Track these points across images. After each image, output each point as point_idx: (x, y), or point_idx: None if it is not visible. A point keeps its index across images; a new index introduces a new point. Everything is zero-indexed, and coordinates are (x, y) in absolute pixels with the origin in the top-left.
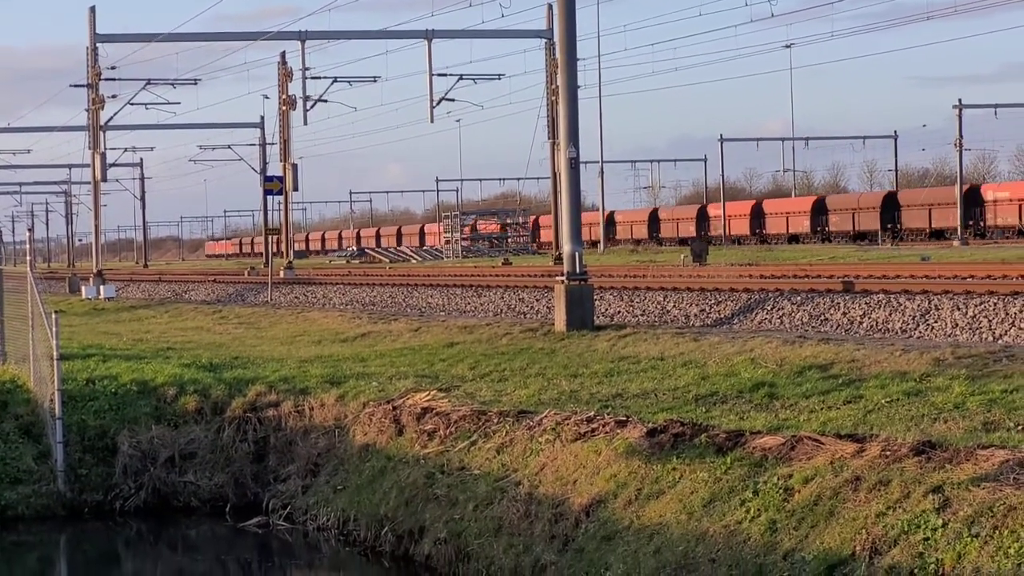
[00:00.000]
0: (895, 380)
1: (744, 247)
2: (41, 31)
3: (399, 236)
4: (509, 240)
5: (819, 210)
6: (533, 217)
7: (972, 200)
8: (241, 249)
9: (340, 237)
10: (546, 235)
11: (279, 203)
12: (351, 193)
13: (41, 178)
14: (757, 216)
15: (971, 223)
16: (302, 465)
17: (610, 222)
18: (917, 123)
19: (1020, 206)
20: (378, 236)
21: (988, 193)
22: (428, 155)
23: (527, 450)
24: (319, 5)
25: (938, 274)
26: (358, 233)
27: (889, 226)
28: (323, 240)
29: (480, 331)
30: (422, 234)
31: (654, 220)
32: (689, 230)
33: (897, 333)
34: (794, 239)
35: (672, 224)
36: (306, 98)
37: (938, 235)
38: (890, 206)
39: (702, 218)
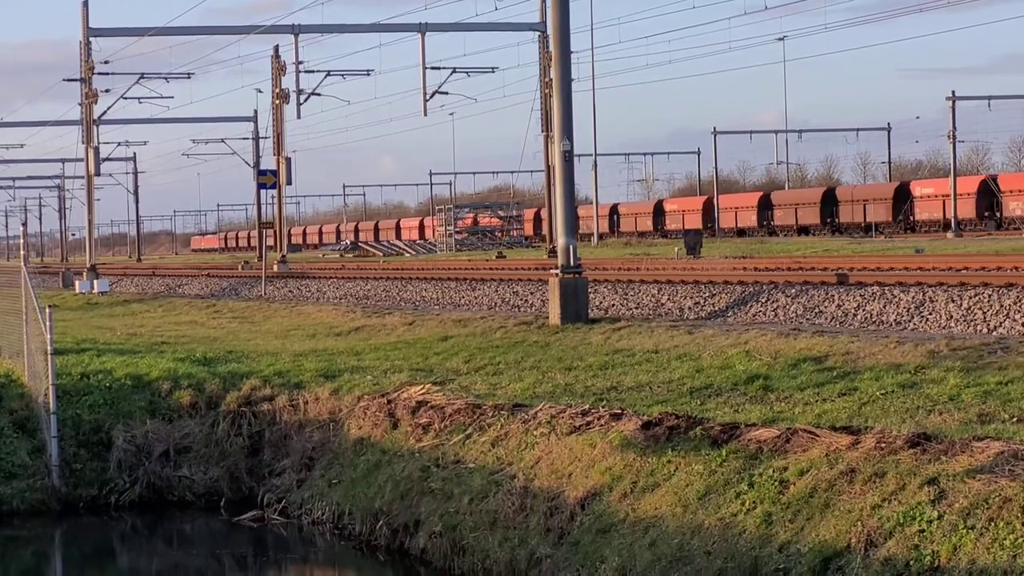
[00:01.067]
0: (890, 372)
1: (745, 240)
2: (34, 25)
3: (398, 229)
4: (503, 233)
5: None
6: (534, 211)
7: (901, 196)
8: (226, 243)
9: (338, 232)
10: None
11: (273, 197)
12: (344, 187)
13: (34, 172)
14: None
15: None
16: (297, 459)
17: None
18: (911, 115)
19: (944, 202)
20: (398, 228)
21: (916, 189)
22: (421, 148)
23: (522, 443)
24: None
25: (932, 266)
26: (356, 226)
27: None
28: (320, 234)
29: (474, 324)
30: (421, 228)
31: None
32: (695, 222)
33: (892, 325)
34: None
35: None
36: (299, 92)
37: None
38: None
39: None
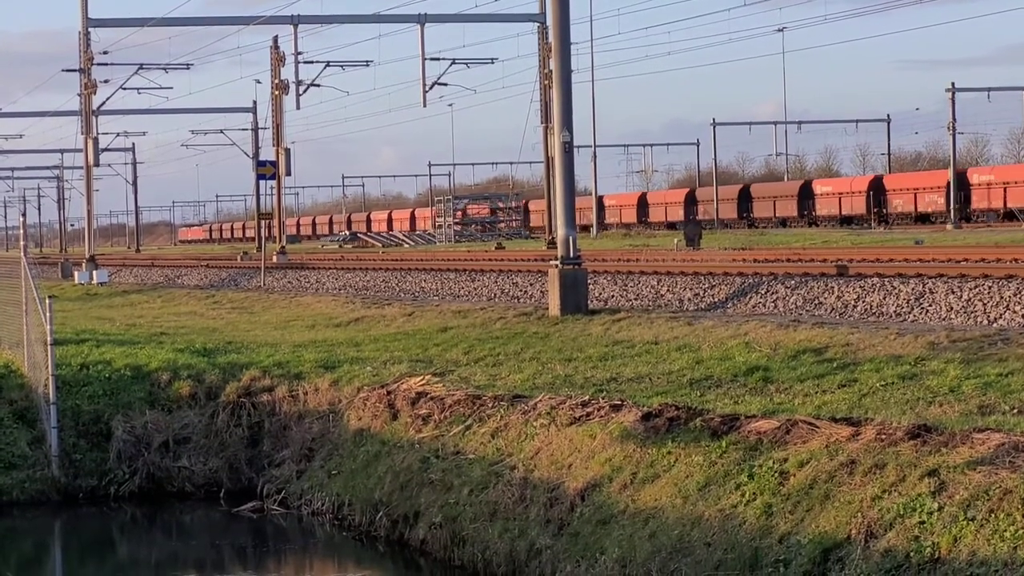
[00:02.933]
0: (890, 364)
1: (734, 231)
2: (33, 15)
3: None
4: (502, 224)
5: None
6: (524, 201)
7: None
8: (211, 235)
9: (349, 220)
10: (537, 219)
11: (272, 187)
12: (343, 177)
13: (33, 163)
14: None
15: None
16: (296, 450)
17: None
18: (910, 106)
19: (840, 198)
20: (390, 219)
21: (817, 188)
22: (421, 139)
23: (522, 434)
24: None
25: (932, 258)
26: (368, 216)
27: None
28: (314, 224)
29: (474, 315)
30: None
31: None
32: (678, 214)
33: (891, 317)
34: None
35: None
36: (299, 82)
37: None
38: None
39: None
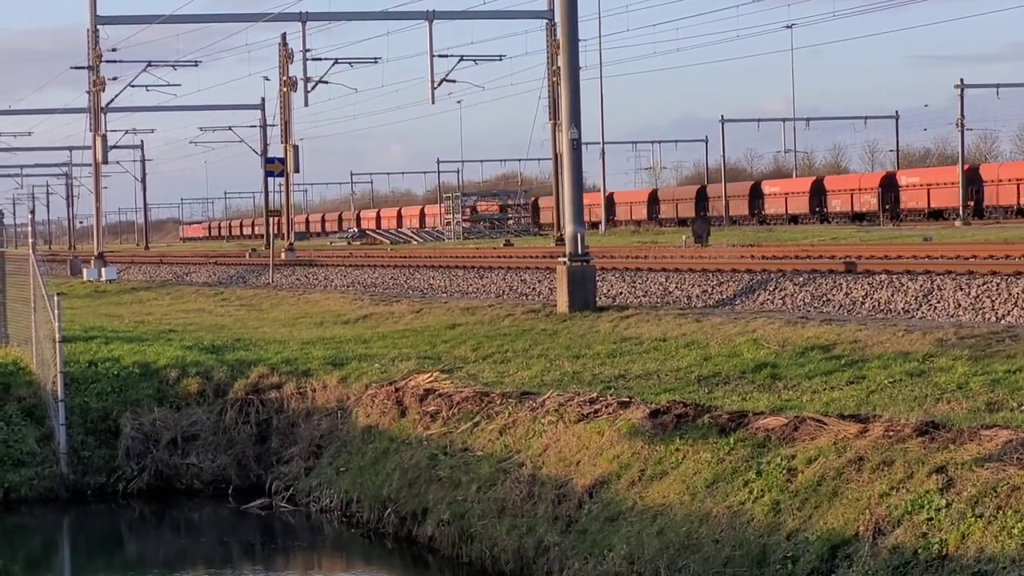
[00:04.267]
0: (898, 360)
1: (743, 227)
2: (42, 12)
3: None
4: (510, 221)
5: (817, 191)
6: (534, 198)
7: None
8: (210, 232)
9: (358, 218)
10: (547, 216)
11: (280, 185)
12: (352, 174)
13: (42, 160)
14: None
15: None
16: (305, 447)
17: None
18: (919, 103)
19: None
20: (400, 216)
21: (765, 187)
22: (429, 136)
23: (530, 431)
24: None
25: (940, 255)
26: (378, 213)
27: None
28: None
29: (482, 312)
30: (422, 216)
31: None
32: (689, 211)
33: (899, 314)
34: (793, 220)
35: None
36: (307, 79)
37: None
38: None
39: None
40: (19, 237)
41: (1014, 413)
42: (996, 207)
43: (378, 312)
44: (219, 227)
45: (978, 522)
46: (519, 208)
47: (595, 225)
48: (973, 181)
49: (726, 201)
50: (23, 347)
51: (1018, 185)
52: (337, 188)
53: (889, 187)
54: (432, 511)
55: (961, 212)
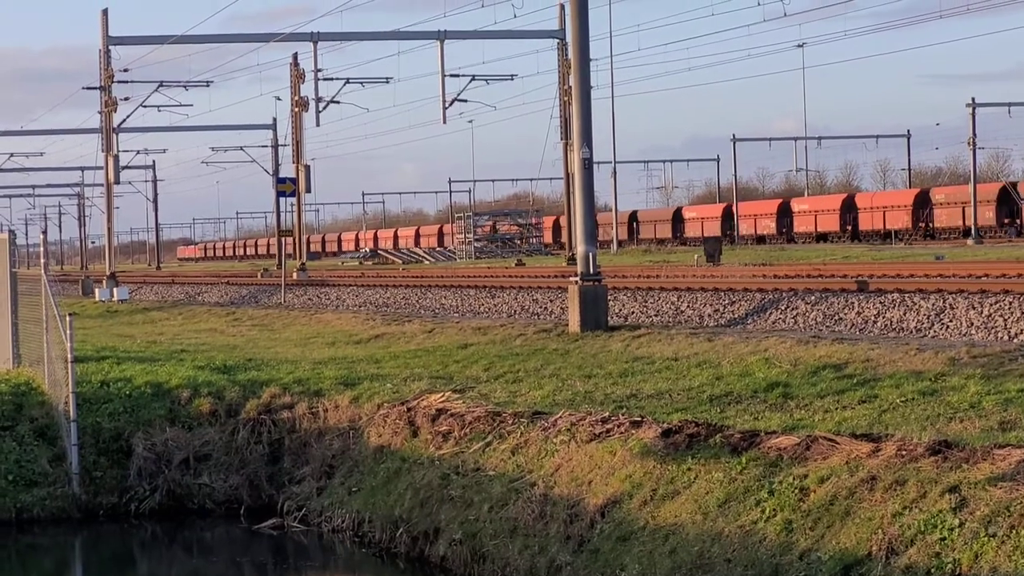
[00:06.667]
0: (910, 380)
1: (762, 247)
2: (55, 32)
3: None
4: (523, 240)
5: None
6: (556, 218)
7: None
8: (205, 253)
9: (375, 237)
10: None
11: (292, 204)
12: (363, 194)
13: (54, 180)
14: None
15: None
16: (317, 467)
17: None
18: (930, 121)
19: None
20: (417, 235)
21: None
22: (441, 156)
23: (542, 451)
24: (332, 5)
25: (952, 273)
26: (396, 232)
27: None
28: (356, 241)
29: (494, 332)
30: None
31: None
32: (715, 229)
33: (912, 332)
34: (822, 238)
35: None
36: (318, 99)
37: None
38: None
39: (727, 217)
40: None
41: None
42: None
43: (390, 332)
44: (213, 248)
45: (991, 541)
46: (530, 227)
47: (605, 244)
48: (1004, 201)
49: (736, 221)
50: (35, 367)
51: (815, 216)
52: (349, 208)
53: (922, 204)
54: (444, 531)
55: (1001, 230)
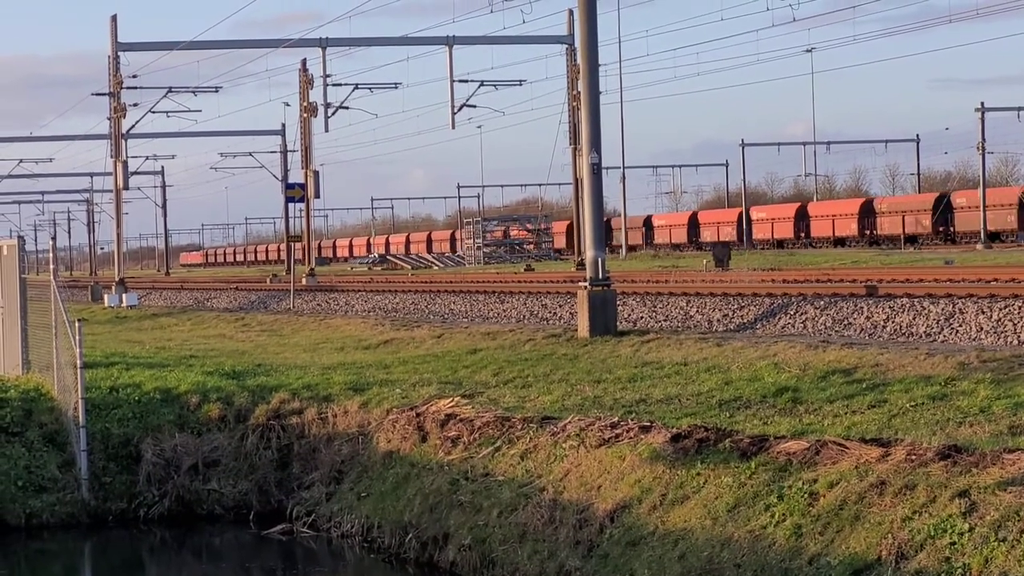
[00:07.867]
0: (920, 384)
1: (775, 252)
2: (64, 38)
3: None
4: (533, 245)
5: (866, 212)
6: (567, 223)
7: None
8: (206, 260)
9: (387, 243)
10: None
11: (301, 210)
12: (372, 200)
13: (63, 186)
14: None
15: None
16: (326, 472)
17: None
18: (939, 126)
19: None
20: (430, 240)
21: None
22: (450, 161)
23: (551, 456)
24: (341, 11)
25: (962, 278)
26: (407, 238)
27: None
28: (367, 246)
29: (503, 337)
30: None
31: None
32: (731, 234)
33: (921, 337)
34: (840, 243)
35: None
36: (327, 105)
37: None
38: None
39: (744, 221)
40: (40, 263)
41: None
42: None
43: (399, 337)
44: (214, 254)
45: (1001, 546)
46: (539, 232)
47: (614, 249)
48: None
49: (748, 225)
50: (44, 373)
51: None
52: (358, 213)
53: (945, 208)
54: (453, 536)
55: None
